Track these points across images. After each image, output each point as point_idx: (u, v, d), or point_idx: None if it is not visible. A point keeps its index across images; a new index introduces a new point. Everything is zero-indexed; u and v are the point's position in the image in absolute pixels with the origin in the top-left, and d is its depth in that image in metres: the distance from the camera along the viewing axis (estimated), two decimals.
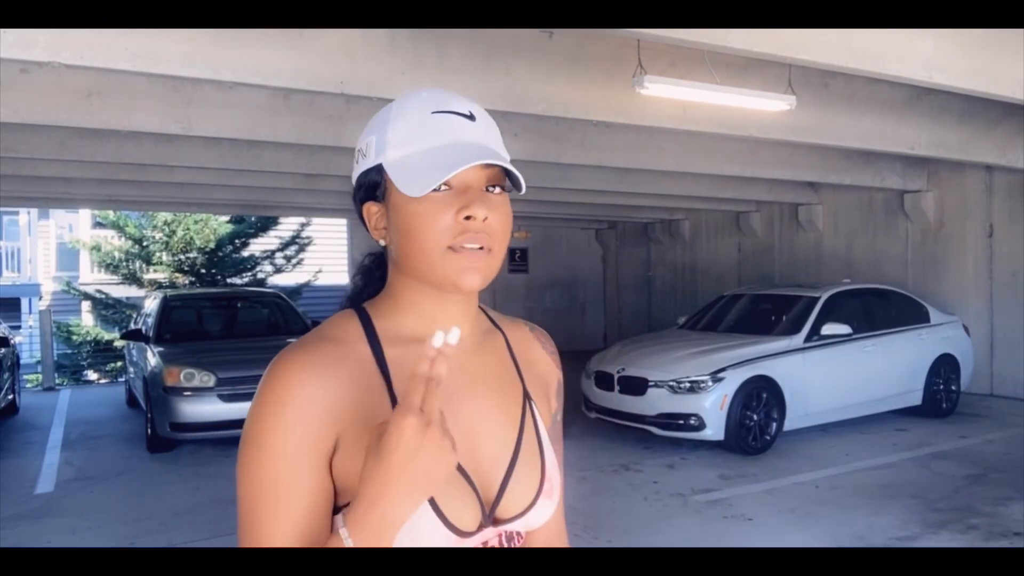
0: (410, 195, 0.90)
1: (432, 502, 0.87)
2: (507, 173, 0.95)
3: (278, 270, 15.72)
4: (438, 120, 0.94)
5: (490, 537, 0.94)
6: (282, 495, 0.86)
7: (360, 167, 0.98)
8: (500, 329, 1.09)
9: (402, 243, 0.94)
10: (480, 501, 0.94)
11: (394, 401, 0.92)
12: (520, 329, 1.14)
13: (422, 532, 0.87)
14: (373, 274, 1.05)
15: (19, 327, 17.28)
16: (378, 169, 0.95)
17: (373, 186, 0.97)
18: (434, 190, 0.90)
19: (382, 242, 0.99)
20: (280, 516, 0.85)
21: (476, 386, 1.01)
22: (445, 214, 0.90)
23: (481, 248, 0.91)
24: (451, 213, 0.90)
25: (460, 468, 0.91)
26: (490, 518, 0.95)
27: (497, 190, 0.95)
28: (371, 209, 0.98)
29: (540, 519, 1.00)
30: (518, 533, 0.98)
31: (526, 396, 1.05)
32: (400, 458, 0.78)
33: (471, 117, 0.96)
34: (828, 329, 7.28)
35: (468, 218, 0.90)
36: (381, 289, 1.02)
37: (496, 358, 1.06)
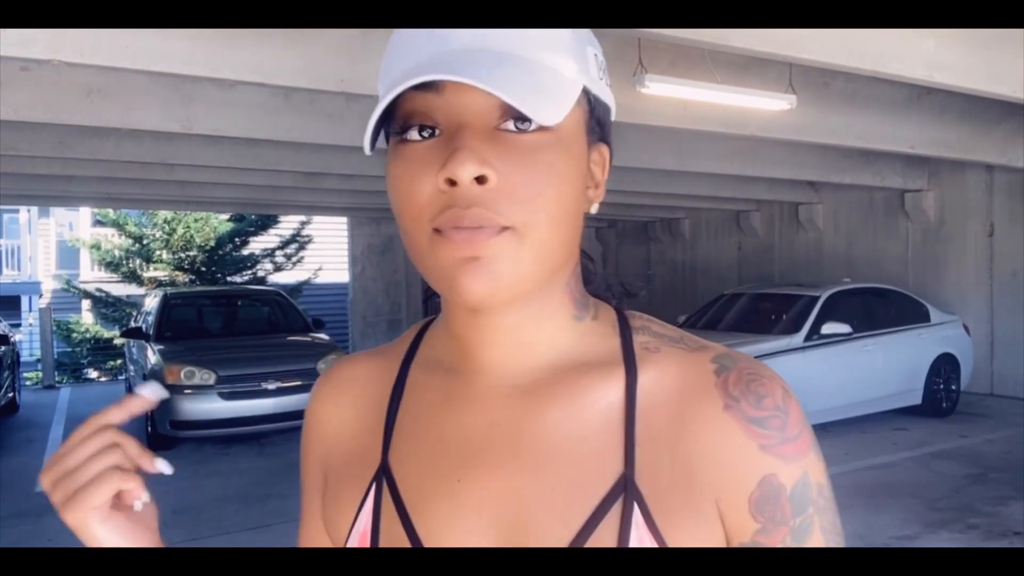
0: (366, 151, 0.59)
1: None
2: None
3: (278, 268, 15.72)
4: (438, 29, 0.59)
5: None
6: (303, 514, 0.77)
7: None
8: (632, 364, 0.64)
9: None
10: None
11: (387, 438, 0.68)
12: (690, 367, 0.64)
13: None
14: None
15: (19, 325, 17.27)
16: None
17: None
18: (421, 137, 0.57)
19: None
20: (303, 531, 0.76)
21: (508, 451, 0.63)
22: (424, 177, 0.56)
23: (481, 228, 0.55)
24: (432, 175, 0.56)
25: None
26: None
27: (533, 124, 0.56)
28: None
29: None
30: None
31: (623, 488, 0.60)
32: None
33: None
34: (828, 328, 7.28)
35: (451, 183, 0.55)
36: None
37: (584, 412, 0.63)
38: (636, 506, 0.59)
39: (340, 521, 0.68)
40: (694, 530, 0.60)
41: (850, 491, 5.61)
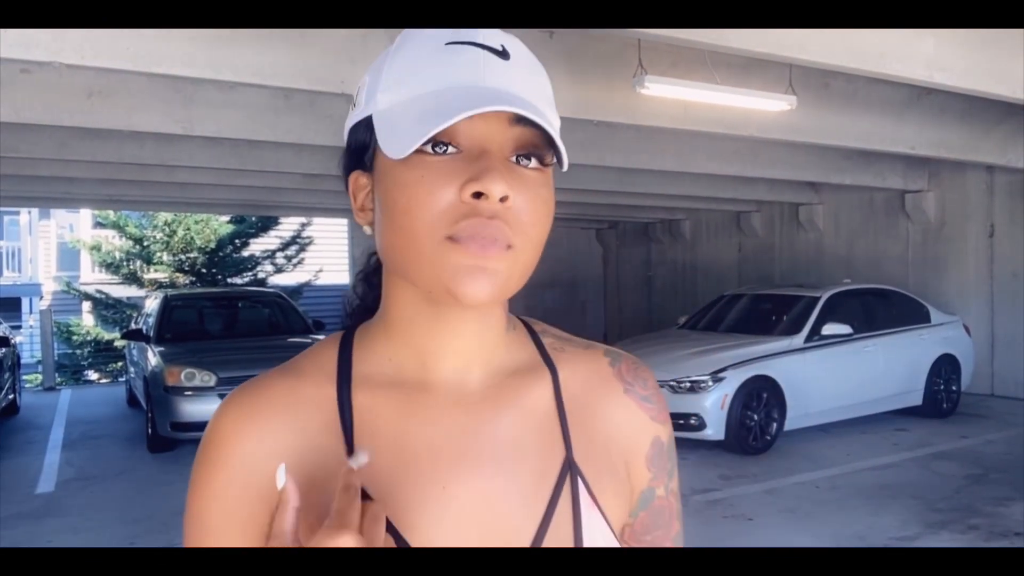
0: (391, 156, 0.63)
1: None
2: (551, 139, 0.65)
3: (279, 270, 15.73)
4: (452, 53, 0.65)
5: None
6: None
7: (349, 121, 0.71)
8: (551, 364, 0.77)
9: (384, 229, 0.67)
10: None
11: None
12: (591, 362, 0.79)
13: None
14: (375, 282, 0.77)
15: (20, 327, 17.28)
16: (368, 124, 0.67)
17: (361, 148, 0.69)
18: (433, 151, 0.63)
19: (367, 229, 0.71)
20: None
21: (483, 455, 0.70)
22: (445, 188, 0.62)
23: (493, 243, 0.62)
24: (454, 187, 0.62)
25: None
26: None
27: (533, 163, 0.65)
28: (358, 181, 0.71)
29: None
30: None
31: (569, 468, 0.72)
32: None
33: (503, 54, 0.66)
34: (829, 329, 7.28)
35: (478, 195, 0.61)
36: None
37: (527, 411, 0.73)
38: (580, 481, 0.72)
39: None
40: (616, 492, 0.75)
41: (851, 491, 5.61)
